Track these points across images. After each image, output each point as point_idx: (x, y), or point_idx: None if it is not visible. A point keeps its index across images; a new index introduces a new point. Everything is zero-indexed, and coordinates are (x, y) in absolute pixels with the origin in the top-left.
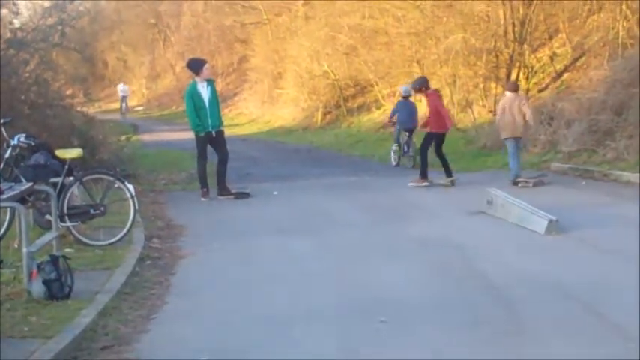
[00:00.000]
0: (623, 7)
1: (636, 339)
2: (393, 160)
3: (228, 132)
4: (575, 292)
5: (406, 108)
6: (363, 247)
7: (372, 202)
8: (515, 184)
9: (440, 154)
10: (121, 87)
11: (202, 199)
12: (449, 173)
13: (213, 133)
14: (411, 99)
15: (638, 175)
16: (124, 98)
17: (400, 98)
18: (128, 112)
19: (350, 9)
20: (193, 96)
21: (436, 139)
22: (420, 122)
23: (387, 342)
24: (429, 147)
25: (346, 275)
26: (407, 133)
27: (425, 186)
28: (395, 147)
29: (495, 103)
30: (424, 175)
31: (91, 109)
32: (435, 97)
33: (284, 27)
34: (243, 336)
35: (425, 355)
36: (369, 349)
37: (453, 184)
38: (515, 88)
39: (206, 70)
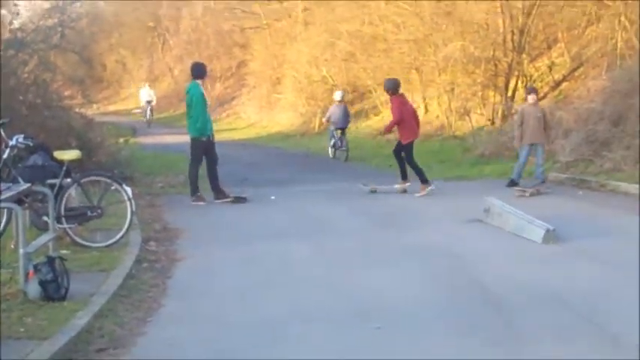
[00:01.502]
0: (622, 18)
1: (633, 348)
2: (330, 153)
3: (226, 136)
4: (572, 301)
5: (338, 110)
6: (360, 253)
7: (369, 209)
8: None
9: (398, 156)
10: (144, 91)
11: (199, 204)
12: (404, 176)
13: (210, 136)
14: (343, 103)
15: (637, 185)
16: (148, 104)
17: (335, 102)
18: (152, 120)
19: (349, 15)
20: (201, 97)
21: (408, 147)
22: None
23: (382, 349)
24: (412, 155)
25: (343, 281)
26: (339, 132)
27: (431, 190)
28: (331, 143)
29: (493, 111)
30: (425, 182)
31: (90, 111)
32: (398, 104)
33: (283, 32)
34: (239, 339)
35: None
36: (363, 354)
37: (405, 190)
38: (530, 92)
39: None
